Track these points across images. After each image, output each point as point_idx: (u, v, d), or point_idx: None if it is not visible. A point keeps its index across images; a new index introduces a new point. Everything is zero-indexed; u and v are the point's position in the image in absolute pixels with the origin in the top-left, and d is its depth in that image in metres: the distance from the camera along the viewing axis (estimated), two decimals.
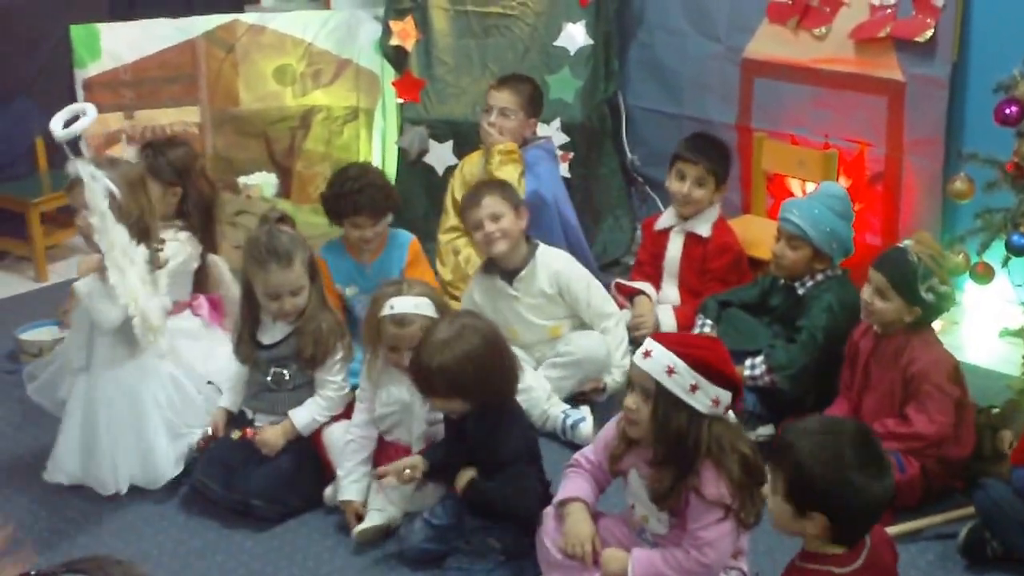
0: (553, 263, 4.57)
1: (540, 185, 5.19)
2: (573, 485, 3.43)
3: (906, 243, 3.89)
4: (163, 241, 4.10)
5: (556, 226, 5.22)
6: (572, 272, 4.59)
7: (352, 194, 4.66)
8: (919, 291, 3.78)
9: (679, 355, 3.09)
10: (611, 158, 6.22)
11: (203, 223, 4.62)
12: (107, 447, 4.01)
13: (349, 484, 3.89)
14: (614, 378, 4.51)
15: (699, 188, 4.92)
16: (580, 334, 4.58)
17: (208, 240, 4.65)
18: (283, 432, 4.00)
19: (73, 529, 3.92)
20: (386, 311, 3.81)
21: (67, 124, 4.03)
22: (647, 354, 3.14)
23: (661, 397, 3.10)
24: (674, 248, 5.04)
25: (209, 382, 4.29)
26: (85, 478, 4.06)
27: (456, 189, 5.37)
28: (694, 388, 3.08)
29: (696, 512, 3.13)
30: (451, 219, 5.37)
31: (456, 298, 4.99)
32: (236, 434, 4.00)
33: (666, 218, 5.10)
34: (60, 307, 5.09)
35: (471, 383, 3.53)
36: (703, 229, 4.95)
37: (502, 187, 4.62)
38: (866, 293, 3.91)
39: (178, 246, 4.38)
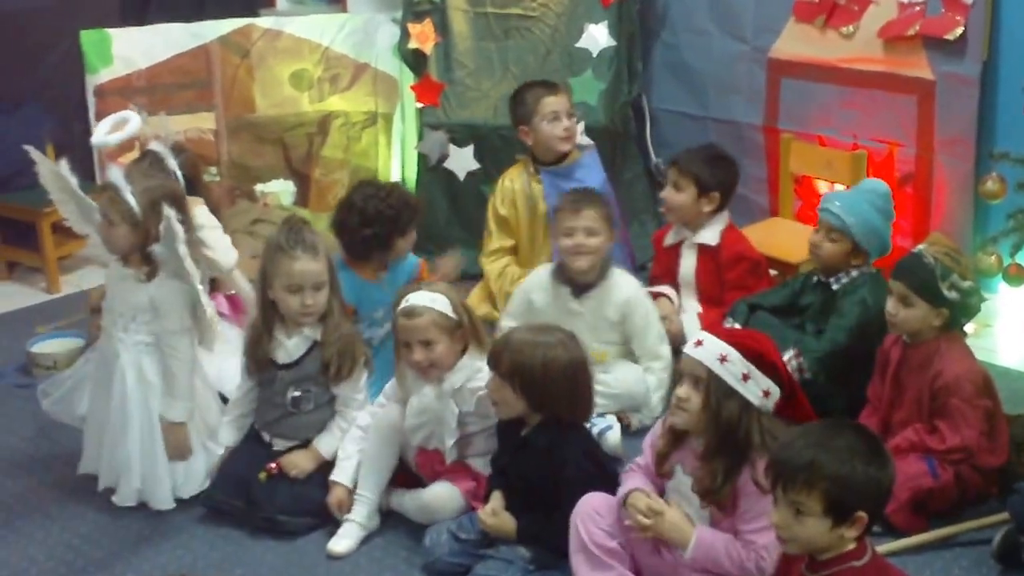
0: (625, 289, 4.61)
1: (602, 186, 5.28)
2: (631, 482, 3.49)
3: (920, 248, 3.96)
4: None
5: (618, 219, 5.32)
6: (639, 303, 4.63)
7: (405, 206, 4.66)
8: (942, 291, 3.83)
9: (731, 344, 3.21)
10: (635, 161, 6.28)
11: None
12: (141, 459, 4.07)
13: (344, 465, 4.01)
14: (641, 418, 4.54)
15: (676, 192, 4.96)
16: (623, 367, 4.61)
17: None
18: (313, 457, 4.06)
19: (88, 544, 3.98)
20: (400, 305, 3.89)
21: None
22: (699, 343, 3.26)
23: (713, 385, 3.21)
24: (687, 262, 5.07)
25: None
26: (142, 494, 4.12)
27: (499, 206, 5.38)
28: (746, 377, 3.19)
29: (749, 510, 3.22)
30: (495, 240, 5.41)
31: (493, 321, 4.99)
32: (263, 475, 4.03)
33: (673, 233, 5.12)
34: (79, 318, 5.14)
35: (536, 384, 3.60)
36: (711, 238, 4.96)
37: (605, 203, 4.65)
38: (890, 305, 3.96)
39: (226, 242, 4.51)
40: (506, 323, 4.73)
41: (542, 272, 4.77)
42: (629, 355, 4.67)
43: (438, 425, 3.92)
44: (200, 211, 4.62)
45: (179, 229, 3.81)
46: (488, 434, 3.93)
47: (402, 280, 4.72)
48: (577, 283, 4.61)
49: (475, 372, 3.89)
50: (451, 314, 3.86)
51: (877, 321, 4.15)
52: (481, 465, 3.95)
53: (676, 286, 5.11)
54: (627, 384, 4.55)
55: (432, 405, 3.91)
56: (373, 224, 4.61)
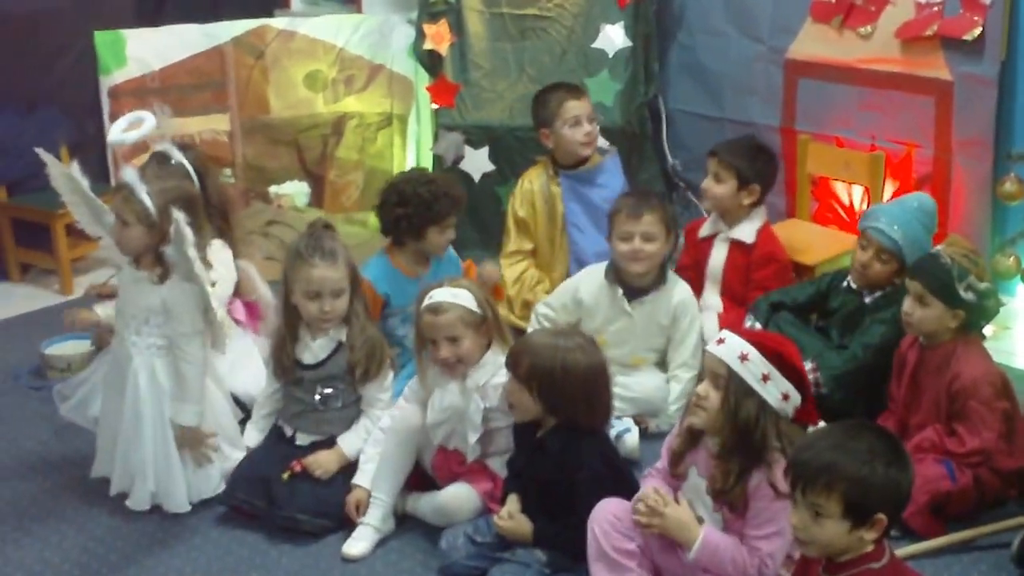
0: (680, 293, 4.63)
1: (622, 191, 5.29)
2: (648, 485, 3.50)
3: (938, 248, 3.96)
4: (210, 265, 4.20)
5: None
6: (689, 309, 4.63)
7: (444, 195, 4.69)
8: (958, 292, 3.84)
9: (753, 344, 3.22)
10: (651, 163, 6.27)
11: (222, 227, 4.73)
12: (155, 462, 4.08)
13: (366, 468, 4.02)
14: (658, 423, 4.53)
15: (717, 184, 4.95)
16: (647, 373, 4.62)
17: (230, 245, 4.75)
18: (337, 458, 4.07)
19: (102, 547, 3.99)
20: (424, 302, 3.90)
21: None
22: (720, 341, 3.26)
23: (733, 383, 3.21)
24: (718, 255, 5.05)
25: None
26: (156, 496, 4.14)
27: (519, 208, 5.35)
28: (765, 378, 3.19)
29: (758, 515, 3.22)
30: (513, 242, 5.38)
31: (520, 329, 4.99)
32: (285, 475, 4.04)
33: (709, 225, 5.11)
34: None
35: (554, 388, 3.60)
36: (747, 235, 4.96)
37: (664, 208, 4.64)
38: (906, 305, 3.97)
39: (227, 258, 4.52)
40: (543, 311, 4.75)
41: (595, 271, 4.75)
42: (662, 364, 4.67)
43: (460, 422, 3.93)
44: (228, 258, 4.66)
45: (188, 232, 3.82)
46: (510, 431, 3.92)
47: (445, 268, 4.80)
48: (631, 286, 4.61)
49: (499, 368, 3.89)
50: (476, 309, 3.88)
51: (901, 339, 4.15)
52: (499, 466, 3.95)
53: (701, 278, 5.09)
54: (647, 390, 4.54)
55: (456, 401, 3.92)
56: (407, 204, 4.67)
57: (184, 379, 4.01)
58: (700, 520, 3.36)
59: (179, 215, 3.82)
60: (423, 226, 4.70)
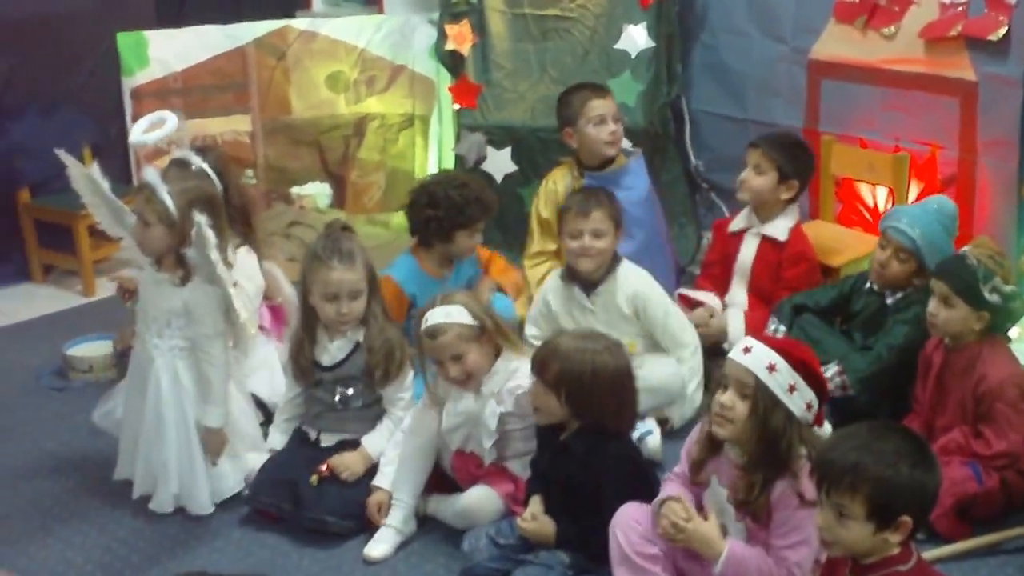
0: (633, 283, 4.59)
1: (648, 193, 5.34)
2: (667, 490, 3.48)
3: (964, 249, 3.95)
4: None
5: (663, 225, 5.43)
6: (651, 295, 4.60)
7: (476, 200, 4.72)
8: (983, 293, 3.82)
9: (780, 353, 3.19)
10: (674, 164, 6.26)
11: (245, 231, 4.72)
12: (178, 464, 4.09)
13: (387, 470, 4.03)
14: (683, 413, 4.52)
15: (757, 176, 4.91)
16: (656, 360, 4.55)
17: (254, 246, 4.75)
18: (363, 459, 4.08)
19: (125, 548, 4.01)
20: (422, 326, 3.90)
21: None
22: (747, 350, 3.22)
23: (761, 394, 3.17)
24: (748, 251, 5.03)
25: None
26: (179, 499, 4.15)
27: (542, 209, 5.32)
28: (792, 388, 3.16)
29: (784, 524, 3.19)
30: (537, 243, 5.37)
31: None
32: (314, 479, 4.04)
33: (741, 220, 5.09)
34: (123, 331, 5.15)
35: (583, 393, 3.59)
36: (779, 233, 4.94)
37: (612, 203, 4.61)
38: (931, 305, 3.96)
39: (253, 266, 4.53)
40: (530, 331, 4.73)
41: (554, 275, 4.76)
42: (657, 348, 4.63)
43: (476, 427, 3.93)
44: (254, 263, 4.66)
45: (210, 235, 3.83)
46: (527, 434, 3.93)
47: (463, 284, 4.81)
48: (587, 281, 4.60)
49: (511, 373, 3.91)
50: (472, 322, 3.87)
51: (926, 339, 4.14)
52: (519, 468, 3.95)
53: (728, 273, 5.08)
54: (661, 377, 4.48)
55: (471, 407, 3.92)
56: (437, 207, 4.69)
57: (208, 381, 4.02)
58: (724, 529, 3.35)
59: (201, 217, 3.83)
60: (452, 229, 4.72)
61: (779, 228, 4.95)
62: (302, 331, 4.19)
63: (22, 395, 5.15)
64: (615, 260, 4.60)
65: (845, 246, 5.16)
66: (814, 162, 5.10)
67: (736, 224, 5.10)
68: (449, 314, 3.86)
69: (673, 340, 4.59)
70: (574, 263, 4.59)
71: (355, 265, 4.05)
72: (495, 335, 3.93)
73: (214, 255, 3.85)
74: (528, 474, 3.90)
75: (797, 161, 4.96)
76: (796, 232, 4.96)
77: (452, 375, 3.87)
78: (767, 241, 4.97)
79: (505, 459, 3.96)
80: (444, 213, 4.68)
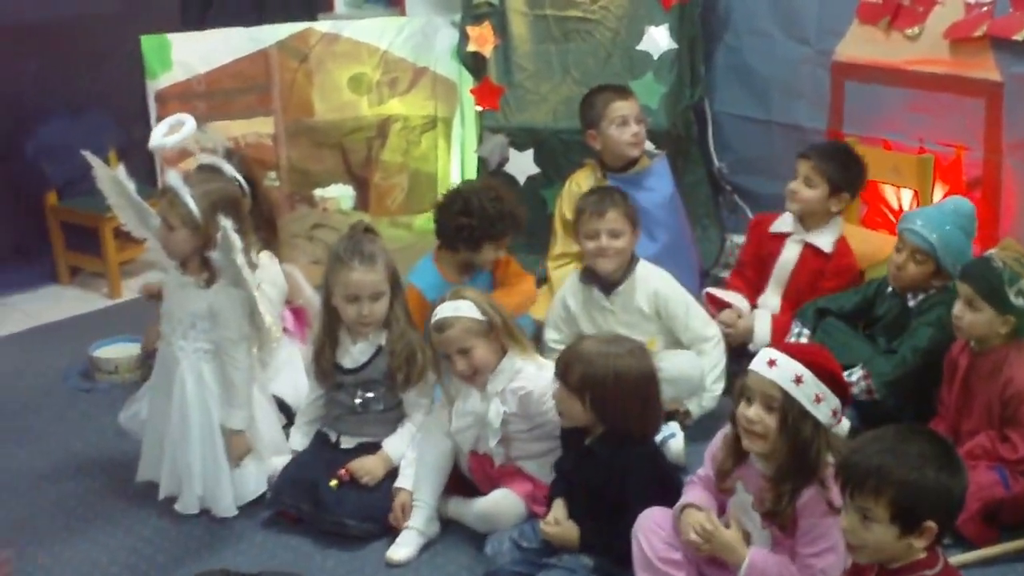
0: (652, 282, 4.58)
1: (672, 195, 5.35)
2: (689, 495, 3.48)
3: (990, 252, 3.93)
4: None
5: (687, 227, 5.42)
6: (671, 293, 4.59)
7: (509, 215, 4.74)
8: (1008, 297, 3.81)
9: (805, 364, 3.17)
10: (697, 166, 6.25)
11: (268, 234, 4.74)
12: (202, 466, 4.11)
13: (408, 472, 4.04)
14: (701, 403, 4.52)
15: (806, 187, 4.86)
16: (674, 352, 4.56)
17: (276, 251, 4.77)
18: (383, 463, 4.09)
19: (150, 548, 4.03)
20: (431, 320, 3.94)
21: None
22: (772, 363, 3.19)
23: (789, 408, 3.16)
24: (789, 256, 4.98)
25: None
26: (205, 500, 4.16)
27: (566, 210, 5.29)
28: (819, 399, 3.15)
29: (810, 532, 3.18)
30: (560, 245, 5.37)
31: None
32: (334, 483, 4.05)
33: (784, 223, 5.03)
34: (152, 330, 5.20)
35: (607, 398, 3.60)
36: (825, 243, 4.89)
37: (626, 203, 4.60)
38: (956, 308, 3.94)
39: (276, 270, 4.55)
40: (550, 336, 4.73)
41: (572, 277, 4.75)
42: (677, 344, 4.62)
43: (483, 428, 3.95)
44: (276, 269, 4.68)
45: (235, 239, 3.84)
46: (535, 435, 3.96)
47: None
48: (605, 282, 4.59)
49: (516, 372, 3.95)
50: (480, 316, 3.91)
51: (950, 342, 4.12)
52: (534, 468, 3.98)
53: (762, 275, 5.06)
54: (681, 368, 4.46)
55: (477, 407, 3.95)
56: (471, 215, 4.69)
57: (232, 384, 4.03)
58: (747, 536, 3.34)
59: (226, 222, 3.84)
60: (481, 239, 4.72)
61: (825, 239, 4.91)
62: (324, 333, 4.20)
63: (48, 396, 5.18)
64: (633, 260, 4.60)
65: (870, 249, 5.07)
66: (865, 173, 5.04)
67: (778, 226, 5.05)
68: (458, 308, 3.90)
69: (695, 336, 4.59)
70: (593, 264, 4.58)
71: (376, 266, 4.05)
72: (502, 333, 3.95)
73: (239, 259, 3.86)
74: (544, 475, 3.93)
75: (848, 173, 4.92)
76: (841, 244, 4.93)
77: (459, 368, 3.90)
78: (810, 249, 4.93)
79: (516, 460, 3.98)
80: (477, 223, 4.68)
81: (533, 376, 3.95)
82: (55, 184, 6.46)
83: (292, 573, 3.82)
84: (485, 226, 4.69)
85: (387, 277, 4.09)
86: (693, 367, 4.52)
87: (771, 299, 5.01)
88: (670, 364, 4.38)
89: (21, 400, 5.16)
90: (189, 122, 4.45)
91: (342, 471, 4.06)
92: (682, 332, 4.60)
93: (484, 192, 4.79)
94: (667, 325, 4.60)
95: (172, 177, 4.02)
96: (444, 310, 3.91)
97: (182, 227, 3.97)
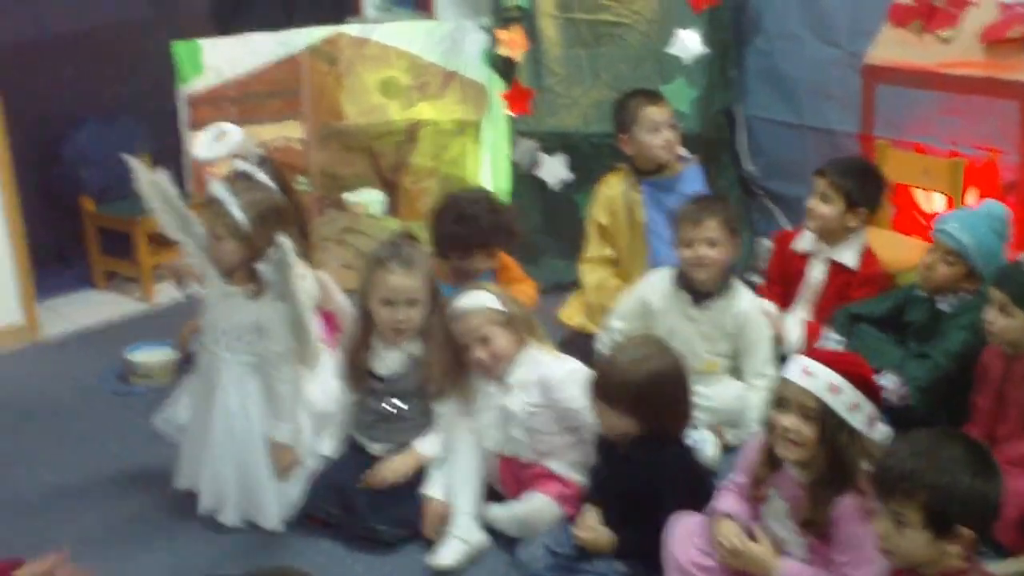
0: (744, 302, 4.60)
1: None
2: (723, 503, 3.49)
3: (1022, 257, 3.92)
4: None
5: None
6: (757, 317, 4.60)
7: (504, 230, 4.76)
8: None
9: (840, 372, 3.18)
10: (728, 170, 6.25)
11: (301, 241, 4.68)
12: (245, 478, 4.12)
13: (436, 475, 4.06)
14: (737, 434, 4.49)
15: (824, 204, 4.85)
16: (725, 382, 4.59)
17: (309, 257, 4.74)
18: (414, 462, 4.09)
19: (189, 553, 4.05)
20: (450, 312, 4.00)
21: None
22: (807, 372, 3.20)
23: (825, 416, 3.16)
24: (815, 275, 4.96)
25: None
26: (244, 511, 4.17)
27: (599, 214, 5.32)
28: (855, 407, 3.16)
29: (846, 541, 3.18)
30: (593, 248, 5.37)
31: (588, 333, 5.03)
32: (363, 486, 4.08)
33: (806, 241, 5.02)
34: (185, 330, 5.24)
35: (642, 400, 3.61)
36: (849, 259, 4.88)
37: (727, 211, 4.62)
38: (989, 313, 3.92)
39: (310, 279, 4.54)
40: (616, 323, 4.73)
41: (661, 276, 4.73)
42: (736, 372, 4.64)
43: (507, 421, 3.98)
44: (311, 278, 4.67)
45: (293, 259, 3.83)
46: (558, 429, 3.99)
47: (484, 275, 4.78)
48: (697, 291, 4.59)
49: (536, 364, 4.00)
50: (501, 307, 3.96)
51: (983, 346, 4.10)
52: (563, 468, 4.00)
53: (788, 292, 5.04)
54: (726, 400, 4.50)
55: (498, 400, 3.99)
56: (465, 223, 4.70)
57: (279, 398, 4.04)
58: (780, 544, 3.34)
59: (284, 239, 3.82)
60: (471, 248, 4.72)
61: (849, 255, 4.90)
62: (358, 337, 4.20)
63: (84, 400, 5.24)
64: (730, 277, 4.61)
65: (901, 254, 5.05)
66: (884, 188, 5.04)
67: (801, 244, 5.05)
68: (479, 298, 3.98)
69: (754, 368, 4.58)
70: (688, 272, 4.58)
71: (414, 272, 4.05)
72: (521, 325, 4.00)
73: (296, 281, 3.87)
74: (572, 471, 3.97)
75: (865, 189, 4.90)
76: (867, 256, 4.92)
77: (479, 356, 3.94)
78: (836, 266, 4.92)
79: (544, 457, 3.99)
80: (469, 232, 4.69)
81: (552, 363, 4.01)
82: (91, 189, 6.49)
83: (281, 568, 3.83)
84: (478, 236, 4.70)
85: (425, 285, 4.08)
86: (737, 399, 4.53)
87: (800, 314, 4.97)
88: (716, 394, 4.47)
89: (63, 403, 5.23)
90: (235, 131, 4.43)
91: (368, 480, 4.08)
92: (745, 359, 4.60)
93: (479, 202, 4.81)
94: (736, 346, 4.60)
95: (217, 187, 4.02)
96: (465, 299, 3.98)
97: (229, 238, 3.96)
